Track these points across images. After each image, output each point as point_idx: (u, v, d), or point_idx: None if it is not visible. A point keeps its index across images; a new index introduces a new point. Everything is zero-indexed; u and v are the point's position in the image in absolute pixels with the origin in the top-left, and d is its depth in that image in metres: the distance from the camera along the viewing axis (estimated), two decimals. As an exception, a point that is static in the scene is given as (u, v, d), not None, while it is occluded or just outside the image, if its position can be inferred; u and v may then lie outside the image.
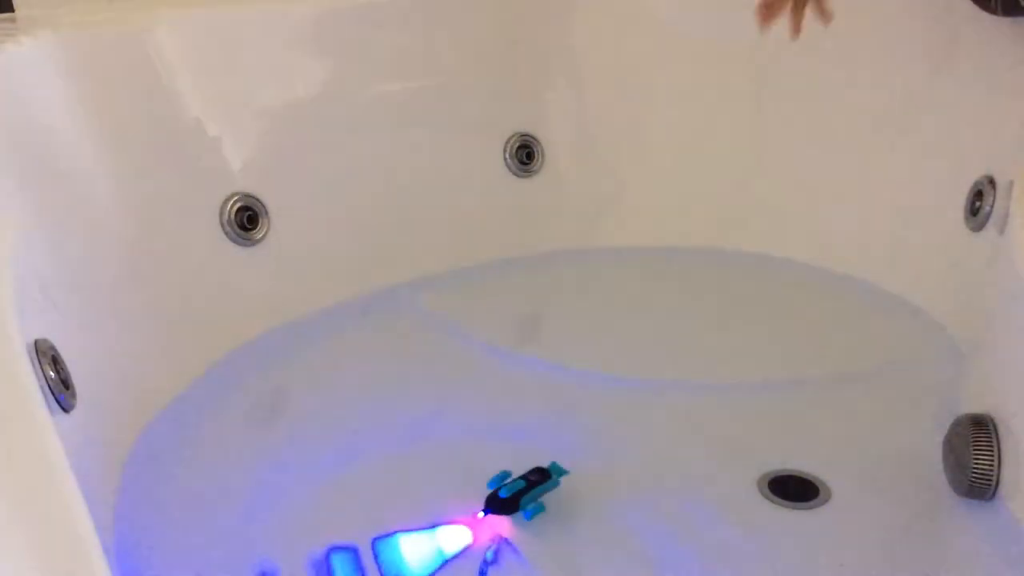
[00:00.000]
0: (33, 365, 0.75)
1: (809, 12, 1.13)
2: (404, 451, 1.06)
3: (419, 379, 1.21)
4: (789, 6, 1.13)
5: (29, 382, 0.69)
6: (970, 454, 0.87)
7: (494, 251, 1.51)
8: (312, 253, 1.36)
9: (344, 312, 1.36)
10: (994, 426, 0.88)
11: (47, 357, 0.79)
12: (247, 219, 1.29)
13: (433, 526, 0.90)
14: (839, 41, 1.43)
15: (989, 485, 0.87)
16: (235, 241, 1.28)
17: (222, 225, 1.27)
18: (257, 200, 1.30)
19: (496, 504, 0.90)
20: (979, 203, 1.17)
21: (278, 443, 1.10)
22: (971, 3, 1.18)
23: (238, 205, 1.28)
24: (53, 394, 0.78)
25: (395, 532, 0.89)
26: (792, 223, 1.50)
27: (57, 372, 0.80)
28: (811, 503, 0.93)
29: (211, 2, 1.31)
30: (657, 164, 1.57)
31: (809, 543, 0.88)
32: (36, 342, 0.79)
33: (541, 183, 1.54)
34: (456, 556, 0.86)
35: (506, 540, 0.87)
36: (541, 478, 0.92)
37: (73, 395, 0.84)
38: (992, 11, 1.16)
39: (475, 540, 0.88)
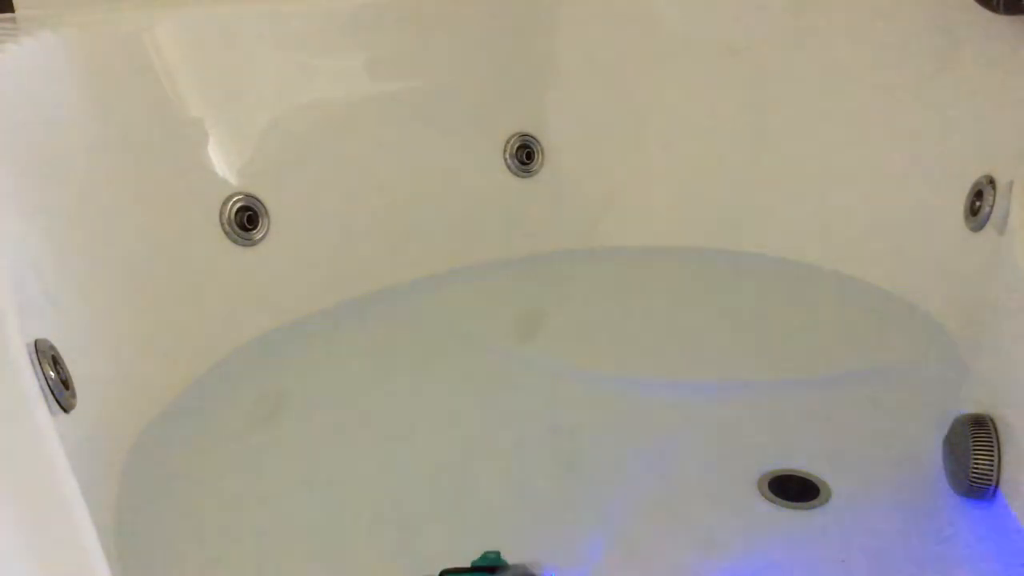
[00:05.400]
0: (33, 365, 0.75)
1: None
2: (403, 452, 1.06)
3: (419, 379, 1.21)
4: None
5: (29, 382, 0.69)
6: (970, 454, 0.87)
7: (494, 251, 1.51)
8: (312, 253, 1.36)
9: (344, 312, 1.36)
10: (994, 426, 0.88)
11: (47, 357, 0.79)
12: (247, 219, 1.29)
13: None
14: (839, 41, 1.44)
15: (989, 485, 0.87)
16: (235, 241, 1.28)
17: (222, 225, 1.27)
18: (257, 200, 1.30)
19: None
20: (979, 203, 1.16)
21: (278, 443, 1.10)
22: (973, 1, 1.18)
23: (238, 205, 1.28)
24: (53, 394, 0.78)
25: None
26: (792, 223, 1.50)
27: (57, 372, 0.80)
28: (811, 503, 0.93)
29: (211, 2, 1.31)
30: (657, 164, 1.57)
31: (809, 543, 0.88)
32: (36, 342, 0.79)
33: (541, 183, 1.54)
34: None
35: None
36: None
37: (73, 395, 0.84)
38: (994, 10, 1.16)
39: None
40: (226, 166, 1.29)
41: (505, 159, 1.51)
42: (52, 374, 0.78)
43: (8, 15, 1.27)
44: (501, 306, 1.43)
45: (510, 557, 0.85)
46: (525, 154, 1.52)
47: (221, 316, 1.26)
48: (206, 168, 1.27)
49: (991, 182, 1.15)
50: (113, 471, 0.99)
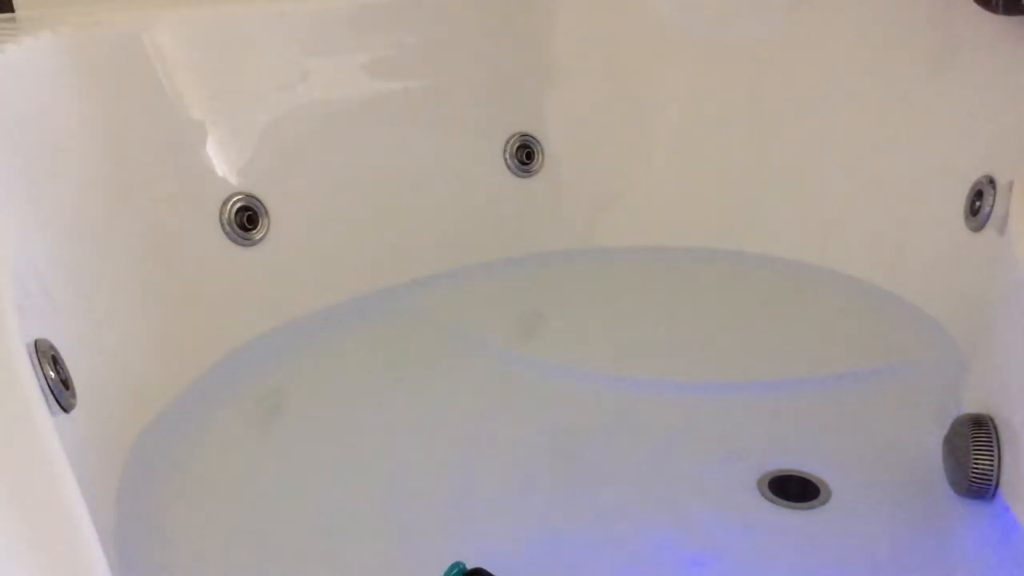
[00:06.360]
0: (33, 365, 0.75)
1: None
2: (404, 451, 1.06)
3: (419, 379, 1.21)
4: None
5: (29, 382, 0.69)
6: (970, 454, 0.87)
7: (494, 251, 1.51)
8: (312, 253, 1.36)
9: (344, 312, 1.36)
10: (994, 426, 0.88)
11: (47, 357, 0.79)
12: (247, 219, 1.29)
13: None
14: (839, 40, 1.44)
15: (989, 485, 0.87)
16: (235, 241, 1.28)
17: (222, 225, 1.27)
18: (257, 200, 1.30)
19: None
20: (979, 203, 1.16)
21: (277, 443, 1.10)
22: (972, 1, 1.18)
23: (238, 205, 1.28)
24: (53, 394, 0.78)
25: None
26: (792, 223, 1.49)
27: (57, 372, 0.80)
28: (811, 503, 0.93)
29: (211, 2, 1.31)
30: (657, 164, 1.57)
31: (809, 543, 0.88)
32: (36, 342, 0.79)
33: (541, 183, 1.54)
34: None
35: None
36: None
37: (73, 395, 0.84)
38: (993, 10, 1.16)
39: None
40: (226, 166, 1.29)
41: (505, 159, 1.51)
42: (52, 374, 0.78)
43: (8, 15, 1.27)
44: (501, 306, 1.43)
45: (510, 557, 0.85)
46: (525, 154, 1.52)
47: (221, 316, 1.26)
48: (206, 168, 1.27)
49: (991, 182, 1.15)
50: (113, 471, 0.99)
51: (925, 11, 1.33)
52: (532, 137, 1.53)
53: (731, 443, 1.04)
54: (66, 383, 0.83)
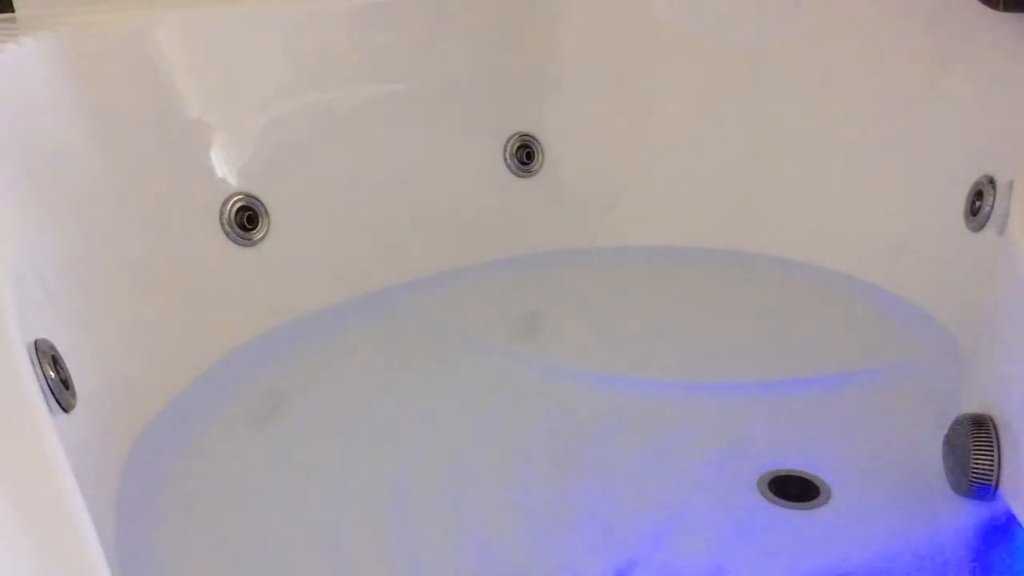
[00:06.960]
0: (33, 365, 0.75)
1: None
2: (403, 452, 1.06)
3: (418, 379, 1.21)
4: None
5: (29, 382, 0.69)
6: (970, 454, 0.87)
7: (494, 251, 1.51)
8: (312, 253, 1.36)
9: (344, 312, 1.36)
10: (994, 426, 0.88)
11: (47, 357, 0.79)
12: (247, 219, 1.29)
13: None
14: (839, 40, 1.44)
15: (989, 485, 0.87)
16: (235, 241, 1.28)
17: (222, 225, 1.27)
18: (257, 200, 1.30)
19: None
20: (979, 203, 1.16)
21: (277, 443, 1.10)
22: None
23: (238, 205, 1.28)
24: (53, 394, 0.78)
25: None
26: (792, 223, 1.50)
27: (57, 372, 0.80)
28: (811, 503, 0.93)
29: (211, 2, 1.31)
30: (657, 164, 1.57)
31: (809, 543, 0.88)
32: (36, 342, 0.79)
33: (541, 183, 1.54)
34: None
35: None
36: None
37: (73, 395, 0.84)
38: (994, 6, 1.16)
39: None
40: (226, 166, 1.29)
41: (505, 159, 1.51)
42: (52, 374, 0.78)
43: (8, 15, 1.27)
44: (501, 306, 1.43)
45: (509, 557, 0.85)
46: (525, 154, 1.52)
47: (221, 316, 1.26)
48: (206, 168, 1.27)
49: (991, 182, 1.15)
50: (113, 471, 0.99)
51: (926, 10, 1.33)
52: (532, 137, 1.53)
53: (731, 443, 1.04)
54: (66, 383, 0.83)
